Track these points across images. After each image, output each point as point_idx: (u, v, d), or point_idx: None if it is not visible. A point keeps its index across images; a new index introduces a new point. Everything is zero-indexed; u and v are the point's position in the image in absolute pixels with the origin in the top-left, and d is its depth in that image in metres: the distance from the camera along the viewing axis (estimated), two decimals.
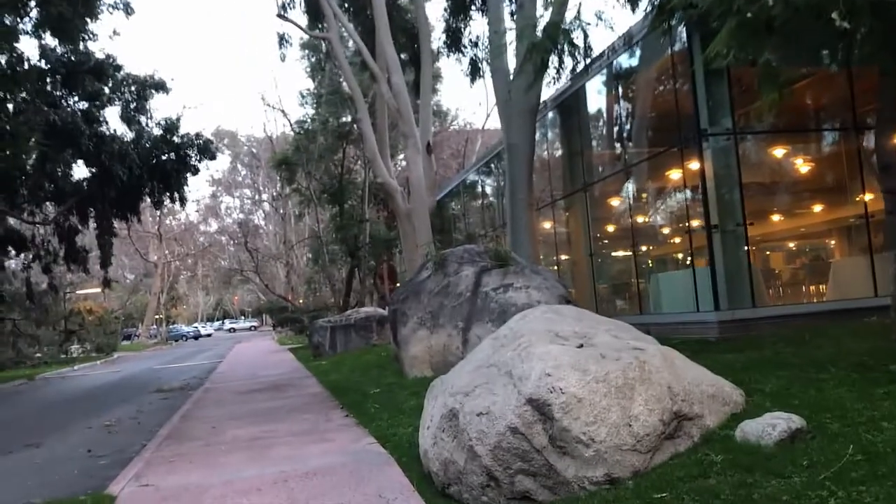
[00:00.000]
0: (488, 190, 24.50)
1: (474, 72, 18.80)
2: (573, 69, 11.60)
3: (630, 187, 14.20)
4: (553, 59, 11.14)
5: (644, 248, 14.40)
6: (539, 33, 10.58)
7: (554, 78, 12.61)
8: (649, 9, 9.46)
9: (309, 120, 33.63)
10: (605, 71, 14.45)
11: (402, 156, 34.13)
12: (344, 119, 32.15)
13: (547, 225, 17.72)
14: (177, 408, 12.35)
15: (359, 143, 32.95)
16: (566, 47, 10.71)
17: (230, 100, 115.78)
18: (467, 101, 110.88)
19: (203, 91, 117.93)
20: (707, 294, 11.07)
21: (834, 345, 7.93)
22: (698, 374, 5.20)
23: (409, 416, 8.03)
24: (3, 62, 21.30)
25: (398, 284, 41.22)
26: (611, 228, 15.67)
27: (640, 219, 14.39)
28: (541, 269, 11.29)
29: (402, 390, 10.32)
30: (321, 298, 41.86)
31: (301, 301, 46.43)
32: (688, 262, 12.12)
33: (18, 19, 21.74)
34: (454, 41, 19.00)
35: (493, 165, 23.57)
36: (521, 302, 10.59)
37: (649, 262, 14.40)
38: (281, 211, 53.58)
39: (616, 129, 14.92)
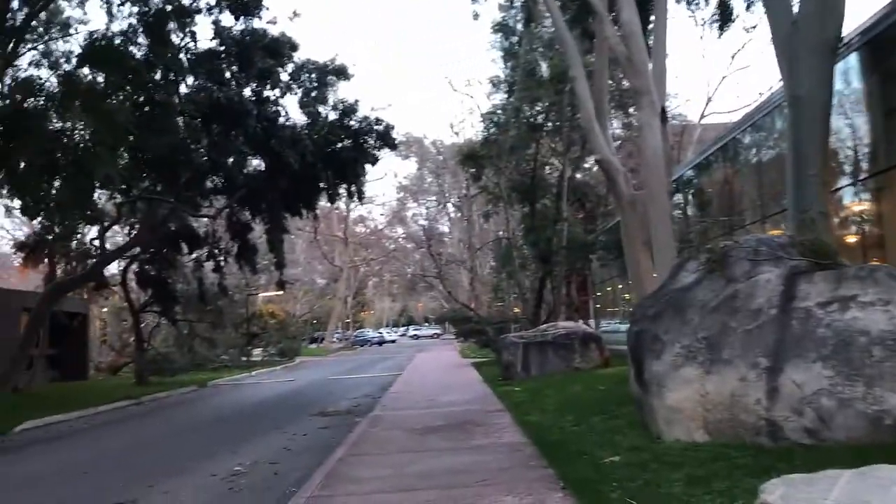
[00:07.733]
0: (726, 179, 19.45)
1: (725, 16, 14.22)
2: None
3: None
4: None
5: None
6: None
7: None
8: None
9: (500, 110, 30.16)
10: None
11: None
12: (538, 107, 28.32)
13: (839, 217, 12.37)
14: (332, 448, 9.44)
15: (553, 135, 29.13)
16: None
17: (416, 104, 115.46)
18: (680, 89, 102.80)
19: (387, 92, 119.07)
20: None
21: None
22: None
23: None
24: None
25: (594, 295, 37.04)
26: None
27: None
28: None
29: (663, 467, 6.24)
30: (506, 309, 38.31)
31: (485, 310, 43.17)
32: None
33: None
34: None
35: (716, 158, 18.68)
36: (876, 329, 6.17)
37: None
38: (465, 214, 50.96)
39: None
